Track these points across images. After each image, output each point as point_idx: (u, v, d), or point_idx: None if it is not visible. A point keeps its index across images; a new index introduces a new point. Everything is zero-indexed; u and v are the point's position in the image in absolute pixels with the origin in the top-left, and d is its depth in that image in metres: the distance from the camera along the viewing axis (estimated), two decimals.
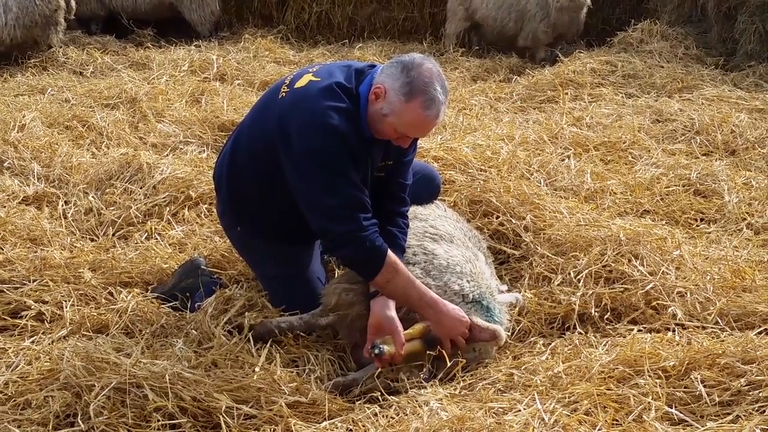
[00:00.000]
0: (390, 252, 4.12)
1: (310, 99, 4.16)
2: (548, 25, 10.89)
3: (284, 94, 4.32)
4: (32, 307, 4.59)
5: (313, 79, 4.27)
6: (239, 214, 4.64)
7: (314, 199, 4.13)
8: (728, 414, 3.63)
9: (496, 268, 4.98)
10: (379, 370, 4.03)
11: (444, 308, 4.13)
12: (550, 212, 5.43)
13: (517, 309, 4.62)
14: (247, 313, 4.44)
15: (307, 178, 4.12)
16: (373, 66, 4.36)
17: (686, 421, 3.61)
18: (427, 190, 5.05)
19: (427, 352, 4.10)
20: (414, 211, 4.69)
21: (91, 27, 12.12)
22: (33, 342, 4.25)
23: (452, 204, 5.43)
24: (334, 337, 4.44)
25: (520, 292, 4.79)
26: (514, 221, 5.33)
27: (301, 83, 4.29)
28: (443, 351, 4.09)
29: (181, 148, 7.12)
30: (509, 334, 4.44)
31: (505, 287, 4.81)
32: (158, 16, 12.31)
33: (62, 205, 5.94)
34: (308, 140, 4.08)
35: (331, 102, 4.12)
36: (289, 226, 4.52)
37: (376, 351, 3.95)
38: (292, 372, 4.05)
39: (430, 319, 4.14)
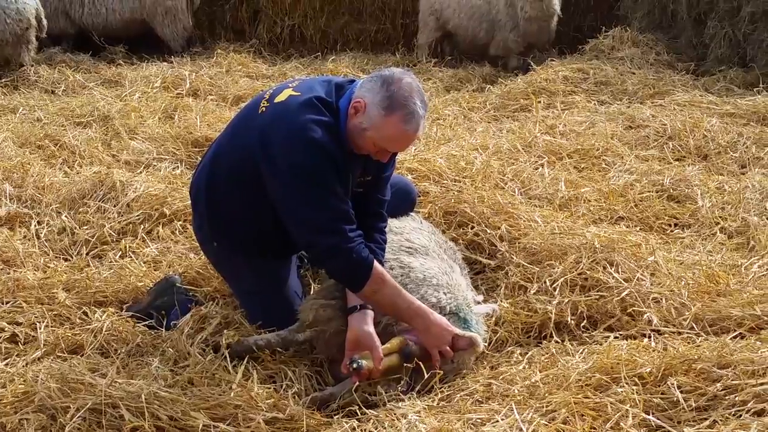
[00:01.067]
0: (376, 263, 4.12)
1: (290, 113, 4.16)
2: (518, 34, 10.95)
3: (264, 108, 4.32)
4: (6, 329, 4.54)
5: (293, 93, 4.28)
6: (216, 228, 4.61)
7: (299, 213, 4.13)
8: (705, 419, 3.64)
9: (471, 278, 4.99)
10: (357, 384, 4.02)
11: (432, 317, 4.13)
12: (524, 221, 5.44)
13: (493, 319, 4.62)
14: (225, 332, 4.41)
15: (291, 192, 4.12)
16: (353, 81, 4.38)
17: (664, 428, 3.62)
18: (404, 202, 5.05)
19: (405, 365, 4.09)
20: (389, 224, 4.69)
21: (62, 44, 12.04)
22: (7, 364, 4.21)
23: (427, 215, 5.43)
24: (311, 352, 4.43)
25: (496, 302, 4.79)
26: (489, 231, 5.33)
27: (280, 98, 4.29)
28: (420, 363, 4.09)
29: (154, 165, 7.09)
30: (486, 344, 4.44)
31: (480, 297, 4.81)
32: (130, 32, 12.24)
33: (35, 226, 5.88)
34: (291, 154, 4.08)
35: (312, 116, 4.12)
36: (266, 242, 4.52)
37: (355, 366, 3.94)
38: (270, 388, 4.02)
39: (418, 328, 4.14)
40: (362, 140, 4.17)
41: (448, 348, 4.12)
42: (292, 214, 4.17)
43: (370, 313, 4.19)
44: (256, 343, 4.33)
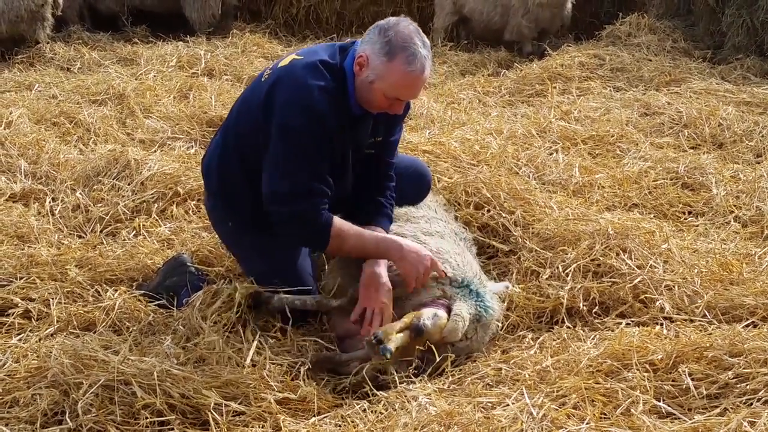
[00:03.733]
0: (334, 220, 4.18)
1: (293, 76, 4.21)
2: (530, 20, 10.92)
3: (267, 75, 4.37)
4: (19, 304, 4.56)
5: (296, 57, 4.32)
6: (229, 207, 4.63)
7: (277, 169, 4.18)
8: (716, 407, 3.64)
9: (484, 263, 4.99)
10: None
11: (405, 245, 4.21)
12: (539, 207, 5.42)
13: (505, 304, 4.60)
14: (236, 285, 4.43)
15: (276, 150, 4.17)
16: (355, 42, 4.40)
17: (674, 414, 3.62)
18: (419, 186, 5.04)
19: (415, 339, 4.08)
20: (407, 212, 4.70)
21: (84, 22, 12.08)
22: (20, 340, 4.23)
23: (442, 199, 5.40)
24: (321, 330, 4.44)
25: (509, 287, 4.78)
26: (504, 215, 5.32)
27: (284, 63, 4.34)
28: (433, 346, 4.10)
29: (169, 144, 7.10)
30: (499, 327, 4.45)
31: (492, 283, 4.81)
32: (165, 9, 12.29)
33: (49, 202, 5.91)
34: (287, 116, 4.13)
35: (314, 80, 4.15)
36: None
37: (374, 339, 3.95)
38: (282, 365, 4.04)
39: (393, 259, 4.21)
40: (372, 94, 4.19)
41: (426, 277, 4.19)
42: (269, 170, 4.21)
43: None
44: (293, 303, 4.37)
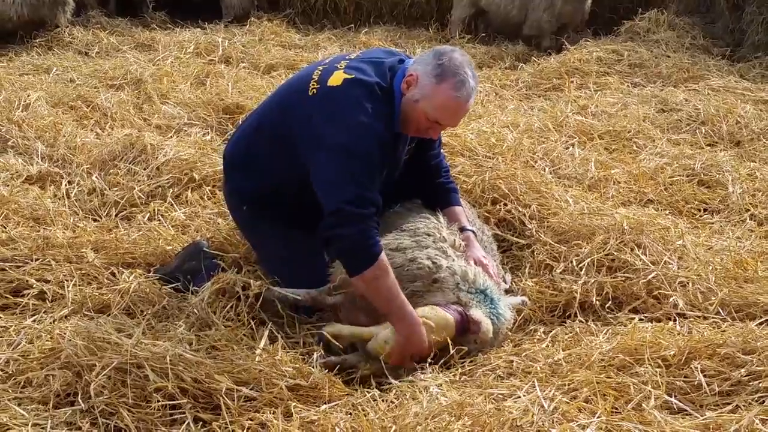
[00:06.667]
0: (384, 255, 4.07)
1: (354, 98, 4.22)
2: (552, 14, 10.82)
3: (315, 90, 4.35)
4: (34, 286, 4.59)
5: (346, 76, 4.31)
6: (248, 194, 4.66)
7: (342, 183, 4.11)
8: (728, 404, 3.64)
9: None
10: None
11: (419, 328, 4.03)
12: (555, 201, 5.41)
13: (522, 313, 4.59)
14: (246, 279, 4.46)
15: (334, 166, 4.13)
16: (402, 61, 4.45)
17: (685, 411, 3.62)
18: None
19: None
20: (430, 221, 4.67)
21: (141, 8, 12.18)
22: (34, 321, 4.26)
23: (461, 191, 5.38)
24: (335, 320, 4.44)
25: (522, 281, 4.79)
26: (519, 209, 5.31)
27: (333, 82, 4.31)
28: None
29: (185, 130, 7.10)
30: (511, 326, 4.45)
31: (509, 277, 4.81)
32: None
33: (66, 185, 5.93)
34: (343, 136, 4.12)
35: (370, 103, 4.20)
36: (295, 212, 4.52)
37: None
38: (295, 351, 4.06)
39: (400, 331, 4.03)
40: (415, 114, 4.24)
41: (412, 361, 4.06)
42: (333, 184, 4.15)
43: None
44: (286, 296, 4.38)
